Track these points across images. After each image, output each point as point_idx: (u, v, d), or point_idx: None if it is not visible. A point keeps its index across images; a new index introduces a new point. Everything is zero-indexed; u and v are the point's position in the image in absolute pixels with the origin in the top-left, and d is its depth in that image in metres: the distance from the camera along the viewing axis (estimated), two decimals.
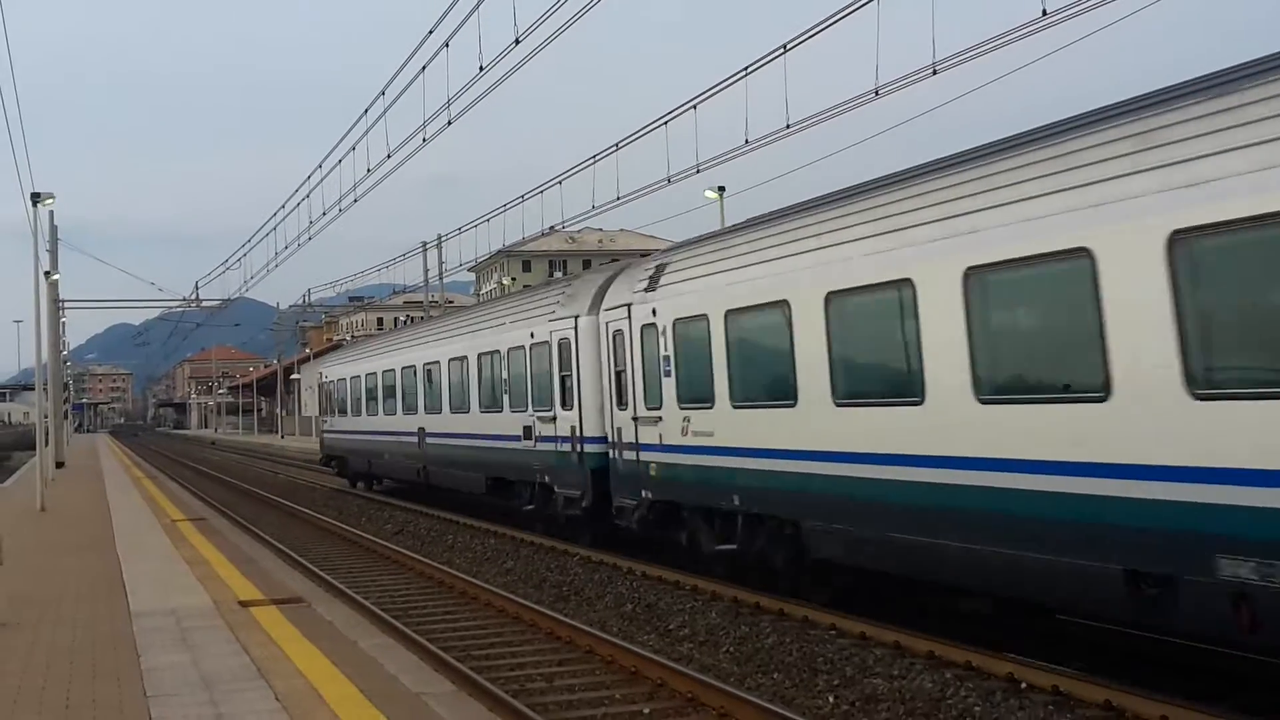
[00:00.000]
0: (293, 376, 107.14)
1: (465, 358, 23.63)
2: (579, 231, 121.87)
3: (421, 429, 26.68)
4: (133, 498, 30.18)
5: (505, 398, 21.27)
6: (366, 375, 32.26)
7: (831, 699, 9.66)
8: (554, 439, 18.96)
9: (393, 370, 29.33)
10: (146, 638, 10.59)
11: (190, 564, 15.88)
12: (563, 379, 18.55)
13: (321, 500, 32.38)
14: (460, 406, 23.98)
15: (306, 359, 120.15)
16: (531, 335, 19.85)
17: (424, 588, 16.36)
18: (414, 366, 27.34)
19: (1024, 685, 9.49)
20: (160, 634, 10.75)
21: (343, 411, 35.15)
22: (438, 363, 25.56)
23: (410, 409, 27.62)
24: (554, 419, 18.87)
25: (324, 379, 38.67)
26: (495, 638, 12.62)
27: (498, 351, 21.66)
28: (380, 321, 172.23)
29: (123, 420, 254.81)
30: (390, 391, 29.52)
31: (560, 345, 18.58)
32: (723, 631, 12.21)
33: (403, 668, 9.39)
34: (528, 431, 19.96)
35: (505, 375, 21.23)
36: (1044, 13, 14.30)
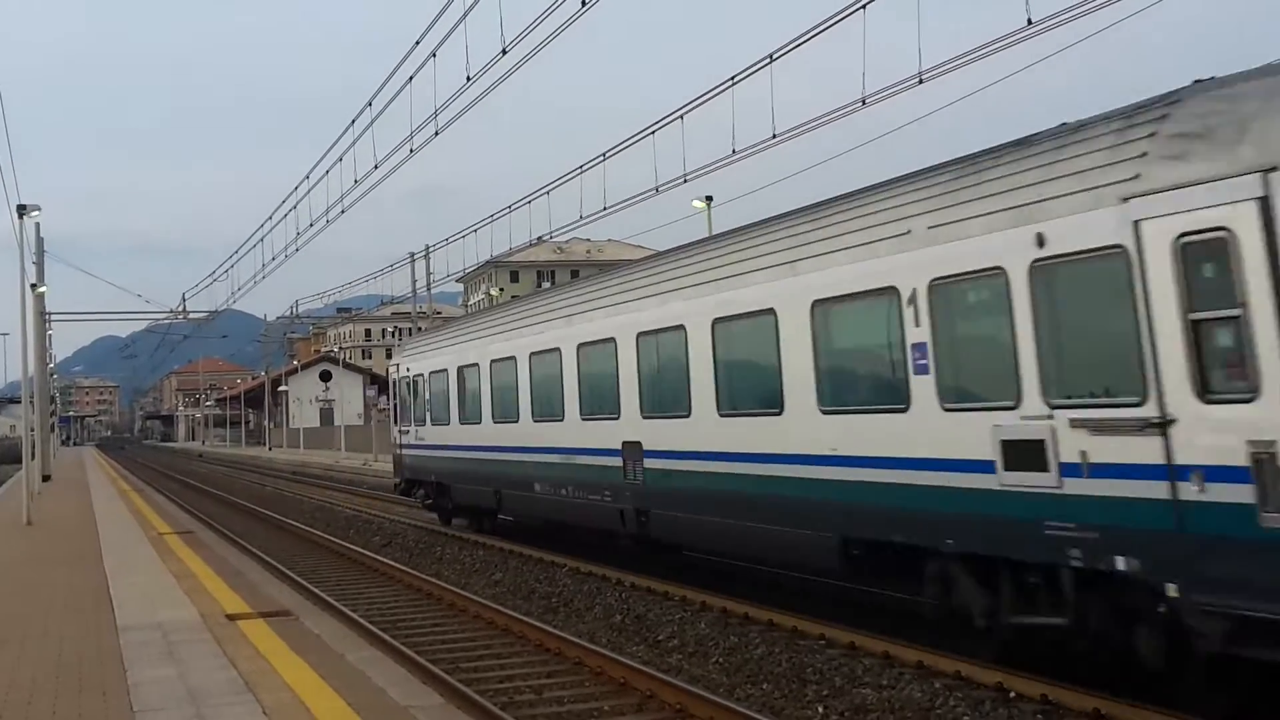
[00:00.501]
0: (280, 388, 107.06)
1: (770, 312, 12.89)
2: (567, 242, 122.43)
3: (632, 444, 16.05)
4: (119, 511, 30.06)
5: (916, 382, 10.74)
6: (494, 363, 21.06)
7: (821, 709, 9.66)
8: (1159, 471, 8.61)
9: (553, 351, 18.50)
10: (133, 652, 10.55)
11: (177, 577, 15.82)
12: (1197, 328, 8.41)
13: (309, 513, 32.27)
14: (752, 401, 13.56)
15: (294, 370, 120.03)
16: (1040, 241, 9.51)
17: (412, 600, 16.31)
18: (611, 341, 16.65)
19: (1013, 694, 9.50)
20: (147, 648, 10.72)
21: (441, 418, 23.95)
22: (678, 329, 14.84)
23: (601, 410, 17.00)
24: (1159, 425, 8.58)
25: (403, 373, 26.75)
26: (484, 650, 12.58)
27: (890, 293, 10.98)
28: (369, 333, 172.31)
29: (109, 433, 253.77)
30: (548, 384, 18.80)
31: (1185, 252, 8.49)
32: (712, 642, 12.19)
33: (391, 680, 9.38)
34: (1026, 455, 9.65)
35: (925, 336, 10.64)
36: (1029, 22, 14.42)
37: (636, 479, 15.94)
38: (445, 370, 23.70)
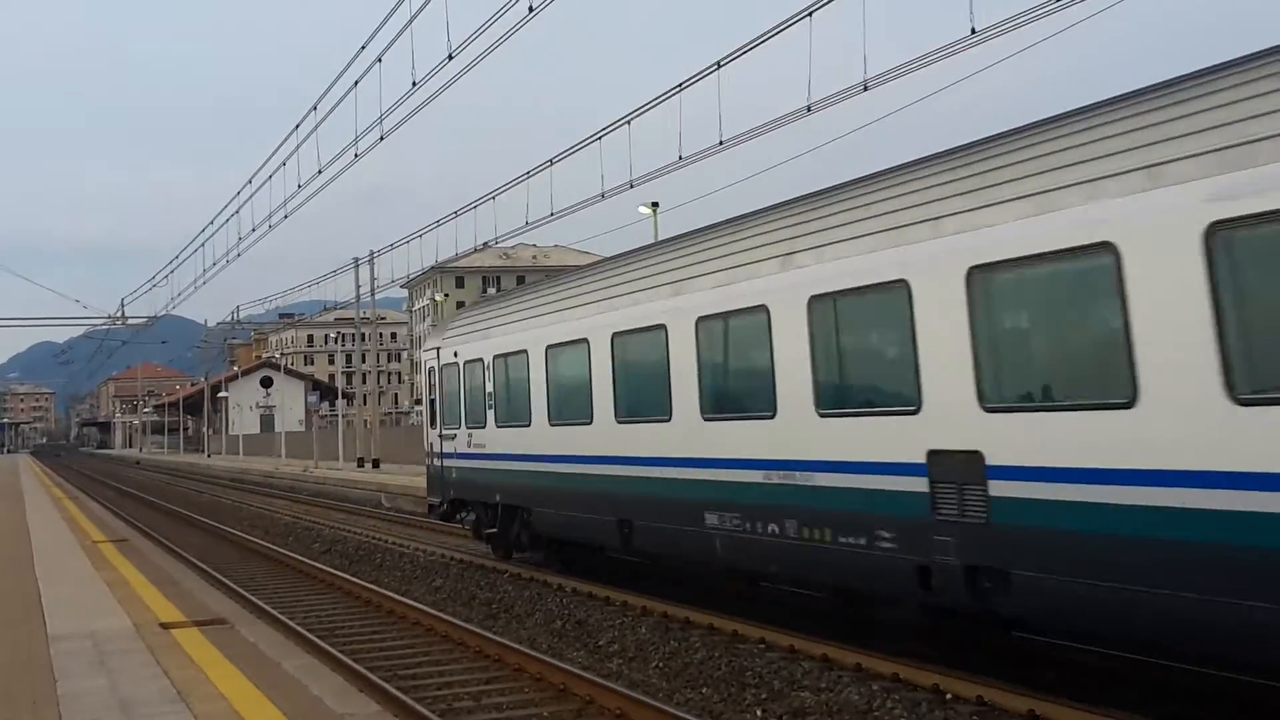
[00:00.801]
0: (220, 394, 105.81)
1: None
2: (513, 247, 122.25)
3: (957, 456, 9.60)
4: (53, 519, 29.47)
5: None
6: (618, 337, 14.62)
7: (759, 713, 9.69)
8: None
9: (751, 313, 11.98)
10: (64, 662, 10.33)
11: (111, 586, 15.53)
12: None
13: (248, 520, 31.88)
14: None
15: (234, 376, 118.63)
16: None
17: (351, 607, 16.16)
18: (897, 288, 10.15)
19: (949, 696, 9.58)
20: (78, 658, 10.50)
21: (514, 416, 17.55)
22: (1096, 252, 8.40)
23: (873, 400, 10.81)
24: None
25: (447, 360, 20.28)
26: (423, 657, 12.49)
27: None
28: (311, 338, 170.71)
29: (45, 440, 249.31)
30: (737, 363, 12.78)
31: None
32: (652, 647, 12.20)
33: (327, 689, 9.25)
34: None
35: None
36: (973, 31, 14.74)
37: (970, 516, 9.37)
38: (523, 353, 17.18)
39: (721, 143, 20.07)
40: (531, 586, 16.40)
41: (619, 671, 11.47)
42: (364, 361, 75.14)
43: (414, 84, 20.80)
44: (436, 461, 20.91)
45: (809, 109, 18.10)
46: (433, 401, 20.97)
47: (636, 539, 14.42)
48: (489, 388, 18.47)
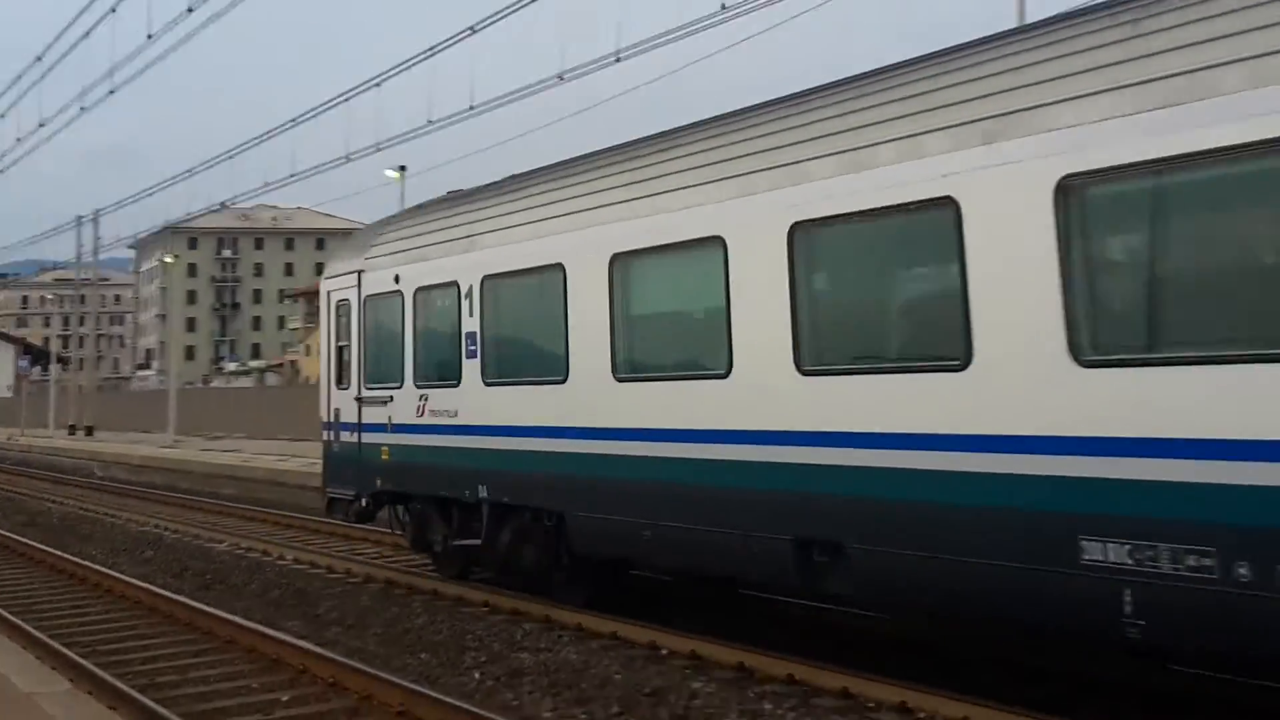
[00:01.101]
0: None
1: None
2: (252, 209, 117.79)
3: None
4: None
5: None
6: (800, 230, 8.54)
7: (478, 675, 9.63)
8: None
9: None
10: None
11: None
12: None
13: None
14: None
15: None
16: None
17: (50, 581, 15.11)
18: None
19: (664, 651, 9.83)
20: None
21: (527, 368, 11.68)
22: None
23: None
24: None
25: (374, 289, 14.04)
26: (128, 631, 11.79)
27: None
28: (25, 300, 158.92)
29: None
30: None
31: None
32: (373, 614, 11.95)
33: (16, 667, 8.71)
34: None
35: None
36: (723, 7, 15.16)
37: None
38: (554, 268, 11.11)
39: (472, 108, 19.96)
40: (249, 558, 15.81)
41: (336, 640, 11.15)
42: (83, 325, 70.71)
43: (149, 37, 19.80)
44: (350, 437, 14.37)
45: (561, 77, 18.21)
46: (342, 349, 14.69)
47: (844, 575, 8.37)
48: (469, 326, 12.39)
